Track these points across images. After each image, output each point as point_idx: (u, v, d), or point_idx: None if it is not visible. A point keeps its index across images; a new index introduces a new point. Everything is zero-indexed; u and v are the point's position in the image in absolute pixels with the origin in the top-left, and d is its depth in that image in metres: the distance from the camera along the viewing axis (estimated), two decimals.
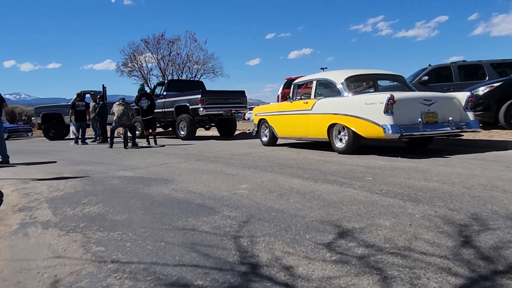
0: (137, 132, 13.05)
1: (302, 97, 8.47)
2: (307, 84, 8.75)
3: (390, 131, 6.21)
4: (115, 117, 11.29)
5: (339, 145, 7.33)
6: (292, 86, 9.01)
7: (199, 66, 32.54)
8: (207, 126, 15.17)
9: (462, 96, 6.95)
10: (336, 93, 7.52)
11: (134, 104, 12.39)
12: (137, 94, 12.48)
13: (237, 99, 14.43)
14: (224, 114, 13.88)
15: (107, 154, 9.74)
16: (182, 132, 13.82)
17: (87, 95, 15.50)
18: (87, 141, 14.41)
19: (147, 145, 11.80)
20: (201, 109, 13.19)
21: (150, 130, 12.27)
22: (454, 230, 2.69)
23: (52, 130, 17.70)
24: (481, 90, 9.15)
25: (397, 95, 6.40)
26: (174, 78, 29.06)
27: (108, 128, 13.05)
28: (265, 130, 9.91)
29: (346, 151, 7.13)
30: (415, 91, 7.69)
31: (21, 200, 4.51)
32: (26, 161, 8.68)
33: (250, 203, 3.78)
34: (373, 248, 2.44)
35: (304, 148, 8.67)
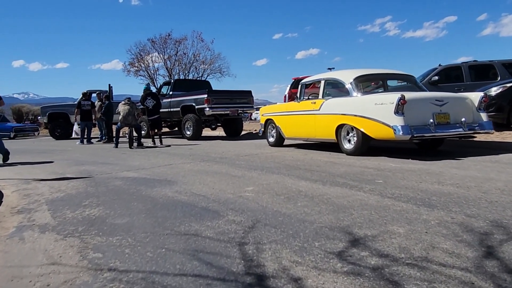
0: (142, 132, 12.95)
1: (310, 97, 8.30)
2: (314, 84, 8.58)
3: (401, 132, 6.02)
4: (120, 117, 11.19)
5: (347, 146, 7.16)
6: (299, 86, 8.84)
7: (206, 66, 32.38)
8: (213, 126, 15.04)
9: (475, 97, 6.74)
10: (345, 93, 7.35)
11: (140, 103, 12.29)
12: (142, 93, 12.38)
13: (243, 99, 14.28)
14: (230, 114, 13.73)
15: (112, 154, 9.63)
16: (188, 132, 13.69)
17: (93, 95, 15.44)
18: (92, 140, 14.35)
19: (152, 145, 11.69)
20: (207, 109, 13.05)
21: (156, 130, 12.17)
22: (474, 239, 2.51)
23: (58, 129, 17.67)
24: (494, 91, 8.94)
25: (408, 95, 6.21)
26: (181, 78, 28.95)
27: (114, 127, 12.96)
28: (272, 130, 9.75)
29: (354, 152, 6.95)
30: (426, 91, 7.49)
31: (21, 202, 4.39)
32: (31, 161, 8.60)
33: (256, 207, 3.63)
34: (387, 258, 2.27)
35: (311, 149, 8.49)
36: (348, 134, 7.14)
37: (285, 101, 14.92)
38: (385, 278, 2.02)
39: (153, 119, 12.05)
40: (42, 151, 11.34)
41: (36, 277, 2.29)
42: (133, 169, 6.58)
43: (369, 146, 6.97)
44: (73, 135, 15.95)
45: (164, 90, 16.08)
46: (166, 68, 31.97)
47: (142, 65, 32.03)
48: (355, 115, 6.78)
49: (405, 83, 8.22)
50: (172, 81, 17.20)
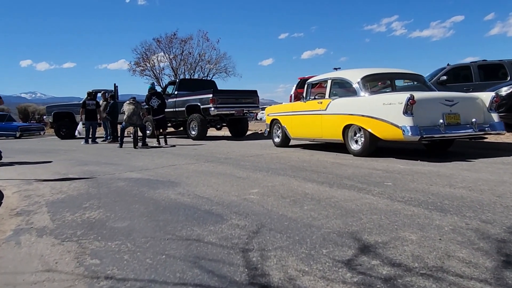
0: (147, 132, 12.86)
1: (316, 97, 8.16)
2: (321, 84, 8.44)
3: (410, 133, 5.87)
4: (125, 116, 11.11)
5: (354, 147, 7.01)
6: (305, 86, 8.70)
7: (211, 66, 32.32)
8: (218, 126, 14.93)
9: (486, 97, 6.57)
10: (352, 92, 7.20)
11: (145, 103, 12.21)
12: (147, 93, 12.30)
13: (249, 99, 14.15)
14: (235, 114, 13.61)
15: (116, 154, 9.54)
16: (193, 132, 13.59)
17: (98, 94, 15.39)
18: (97, 140, 14.30)
19: (157, 145, 11.60)
20: (213, 108, 12.94)
21: (161, 130, 12.08)
22: (491, 247, 2.37)
23: (64, 129, 17.64)
24: (504, 91, 8.75)
25: (418, 95, 6.05)
26: (186, 77, 28.88)
27: (119, 127, 12.89)
28: (278, 130, 9.62)
29: (362, 153, 6.80)
30: (435, 91, 7.32)
31: (21, 203, 4.30)
32: (35, 160, 8.53)
33: (261, 210, 3.50)
34: (400, 268, 2.14)
35: (317, 150, 8.35)
36: (355, 134, 7.00)
37: (291, 101, 14.78)
38: None
39: (158, 118, 11.96)
40: (46, 151, 11.28)
41: (29, 285, 2.19)
42: (136, 170, 6.48)
43: (376, 147, 6.82)
44: (76, 134, 15.87)
45: (169, 89, 16.00)
46: (172, 68, 31.95)
47: (148, 65, 32.03)
48: (363, 115, 6.63)
49: (414, 82, 8.06)
50: (177, 80, 17.11)
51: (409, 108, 5.92)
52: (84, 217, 3.56)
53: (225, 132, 15.58)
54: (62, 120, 17.77)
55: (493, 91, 7.22)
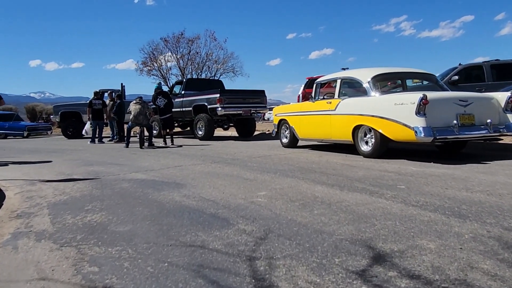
0: (154, 132, 12.76)
1: (325, 97, 8.00)
2: (330, 83, 8.27)
3: (422, 134, 5.69)
4: (131, 116, 11.02)
5: (364, 148, 6.84)
6: (314, 85, 8.53)
7: (219, 65, 32.19)
8: (225, 126, 14.81)
9: (501, 97, 6.36)
10: (362, 92, 7.03)
11: (151, 103, 12.11)
12: (153, 93, 12.20)
13: (256, 98, 14.00)
14: (243, 114, 13.47)
15: (122, 154, 9.44)
16: (200, 132, 13.47)
17: (105, 94, 15.33)
18: (104, 140, 14.24)
19: (163, 145, 11.49)
20: (220, 108, 12.81)
21: (168, 130, 11.97)
22: None
23: (71, 128, 17.61)
24: None
25: (431, 95, 5.87)
26: (193, 77, 28.79)
27: (126, 127, 12.81)
28: (286, 131, 9.46)
29: (372, 154, 6.62)
30: (448, 90, 7.12)
31: (22, 205, 4.19)
32: (40, 160, 8.45)
33: (268, 215, 3.35)
34: (419, 281, 1.97)
35: (326, 151, 8.18)
36: (365, 135, 6.82)
37: (299, 101, 14.60)
38: None
39: (165, 118, 11.86)
40: (53, 151, 11.22)
41: None
42: (142, 171, 6.36)
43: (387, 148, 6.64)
44: (83, 133, 15.83)
45: (176, 89, 15.90)
46: (179, 68, 31.86)
47: (155, 65, 31.98)
48: (373, 116, 6.46)
49: (424, 82, 7.86)
50: (184, 80, 17.01)
51: (422, 108, 5.73)
52: (85, 220, 3.43)
53: (232, 132, 15.45)
54: (69, 119, 17.75)
55: (508, 91, 7.00)
